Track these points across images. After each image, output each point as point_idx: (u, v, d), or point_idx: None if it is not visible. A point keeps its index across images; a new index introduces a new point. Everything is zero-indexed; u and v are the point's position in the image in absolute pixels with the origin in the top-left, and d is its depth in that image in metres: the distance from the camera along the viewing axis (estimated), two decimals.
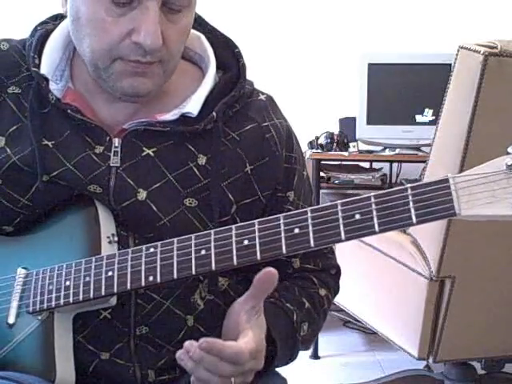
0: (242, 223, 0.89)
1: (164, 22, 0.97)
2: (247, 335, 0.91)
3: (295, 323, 1.05)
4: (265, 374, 0.98)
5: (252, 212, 1.06)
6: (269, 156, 1.08)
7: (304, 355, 2.87)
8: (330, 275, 1.17)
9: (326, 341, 3.00)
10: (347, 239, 0.82)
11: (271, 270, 0.89)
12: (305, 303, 1.09)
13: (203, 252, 0.89)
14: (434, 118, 2.97)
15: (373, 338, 3.03)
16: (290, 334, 1.04)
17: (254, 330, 0.92)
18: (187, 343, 0.88)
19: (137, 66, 0.98)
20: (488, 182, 0.76)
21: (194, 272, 0.89)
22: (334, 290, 1.17)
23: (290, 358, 1.08)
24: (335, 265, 1.19)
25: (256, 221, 0.87)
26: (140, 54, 0.97)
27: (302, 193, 1.13)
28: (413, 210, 0.79)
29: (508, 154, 0.76)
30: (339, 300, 2.37)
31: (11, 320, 1.00)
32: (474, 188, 0.77)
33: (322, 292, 1.13)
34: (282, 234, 0.85)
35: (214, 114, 1.04)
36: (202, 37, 1.11)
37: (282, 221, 0.86)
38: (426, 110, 3.06)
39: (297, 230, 0.84)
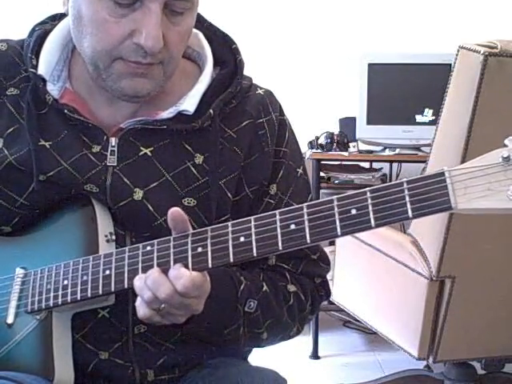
0: (238, 220, 0.88)
1: (166, 23, 0.96)
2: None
3: (239, 293, 1.02)
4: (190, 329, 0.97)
5: (242, 209, 1.06)
6: (258, 153, 1.08)
7: (304, 355, 2.87)
8: (311, 281, 1.12)
9: (326, 341, 3.00)
10: (343, 234, 0.81)
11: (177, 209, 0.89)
12: (263, 286, 1.06)
13: (200, 250, 0.88)
14: (434, 117, 2.97)
15: (373, 338, 3.03)
16: (229, 299, 1.01)
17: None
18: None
19: (137, 67, 0.98)
20: (484, 175, 0.75)
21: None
22: (312, 295, 1.12)
23: (227, 332, 1.03)
24: (322, 275, 1.14)
25: (252, 217, 0.87)
26: (141, 55, 0.96)
27: (291, 189, 1.11)
28: (409, 204, 0.78)
29: (504, 146, 0.75)
30: (339, 300, 2.37)
31: (10, 320, 1.00)
32: (470, 181, 0.76)
33: (291, 288, 1.09)
34: (278, 231, 0.85)
35: (211, 111, 1.04)
36: (200, 34, 1.11)
37: (277, 217, 0.85)
38: (426, 110, 3.06)
39: (293, 226, 0.84)
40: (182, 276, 0.87)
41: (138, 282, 0.90)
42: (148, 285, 0.89)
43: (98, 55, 0.98)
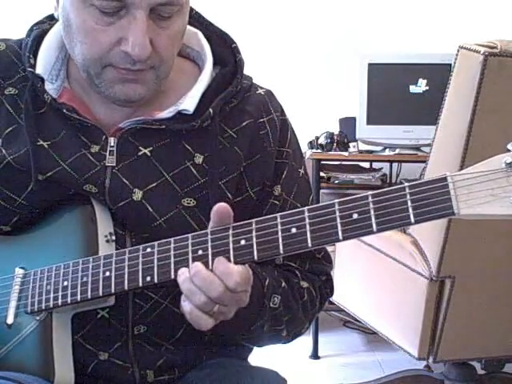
0: (239, 223, 0.88)
1: (154, 28, 0.96)
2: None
3: (265, 288, 1.01)
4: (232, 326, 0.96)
5: (244, 209, 1.05)
6: (260, 153, 1.07)
7: (304, 355, 2.87)
8: (318, 279, 1.13)
9: (326, 341, 3.00)
10: (345, 239, 0.81)
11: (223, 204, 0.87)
12: (281, 282, 1.05)
13: (200, 252, 0.88)
14: (434, 117, 2.96)
15: (373, 338, 3.03)
16: (258, 295, 0.99)
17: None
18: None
19: (127, 73, 0.98)
20: (487, 181, 0.75)
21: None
22: (320, 291, 1.13)
23: (254, 328, 1.02)
24: (327, 272, 1.15)
25: (253, 220, 0.86)
26: (129, 62, 0.96)
27: (294, 190, 1.11)
28: (411, 210, 0.78)
29: (508, 151, 0.75)
30: (339, 300, 2.37)
31: (10, 320, 1.00)
32: (473, 187, 0.75)
33: (304, 284, 1.09)
34: (279, 234, 0.84)
35: (211, 110, 1.03)
36: (199, 33, 1.11)
37: (279, 220, 0.85)
38: (426, 109, 3.05)
39: (294, 230, 0.83)
40: (232, 272, 0.85)
41: (187, 284, 0.86)
42: (198, 285, 0.86)
43: (89, 62, 0.98)
